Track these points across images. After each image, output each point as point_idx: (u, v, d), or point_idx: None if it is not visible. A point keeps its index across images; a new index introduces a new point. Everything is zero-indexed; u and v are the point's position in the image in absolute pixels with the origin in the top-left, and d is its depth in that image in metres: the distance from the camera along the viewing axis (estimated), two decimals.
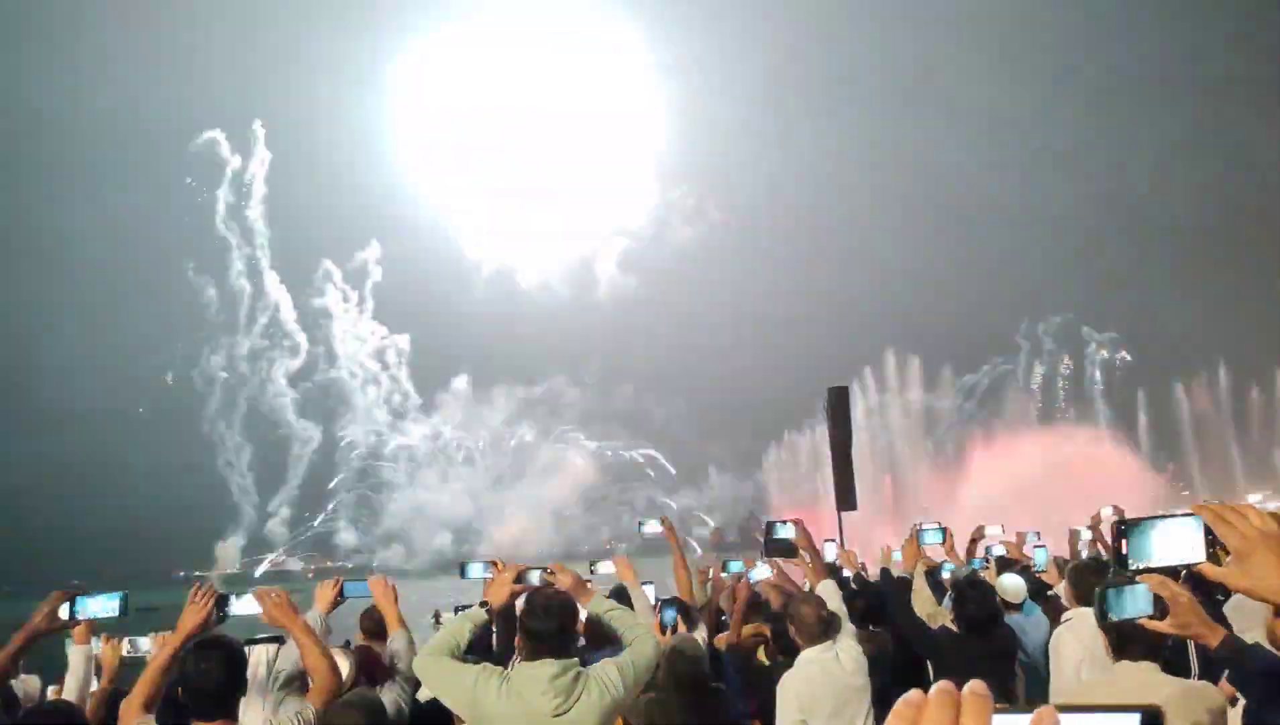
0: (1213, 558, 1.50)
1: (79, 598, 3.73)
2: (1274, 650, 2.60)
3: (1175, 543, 1.55)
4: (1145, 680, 3.09)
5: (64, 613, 3.61)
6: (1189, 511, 1.55)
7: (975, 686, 0.62)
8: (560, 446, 79.89)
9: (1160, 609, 2.33)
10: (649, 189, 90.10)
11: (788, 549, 5.69)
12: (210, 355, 78.59)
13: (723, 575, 6.33)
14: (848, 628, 4.49)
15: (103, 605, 3.77)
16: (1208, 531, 1.50)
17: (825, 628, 4.24)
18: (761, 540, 5.59)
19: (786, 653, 4.75)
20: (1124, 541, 1.58)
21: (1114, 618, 2.48)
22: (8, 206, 79.35)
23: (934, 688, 0.62)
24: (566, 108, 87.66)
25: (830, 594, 4.62)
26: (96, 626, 4.26)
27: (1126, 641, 3.12)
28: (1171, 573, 2.21)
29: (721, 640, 5.53)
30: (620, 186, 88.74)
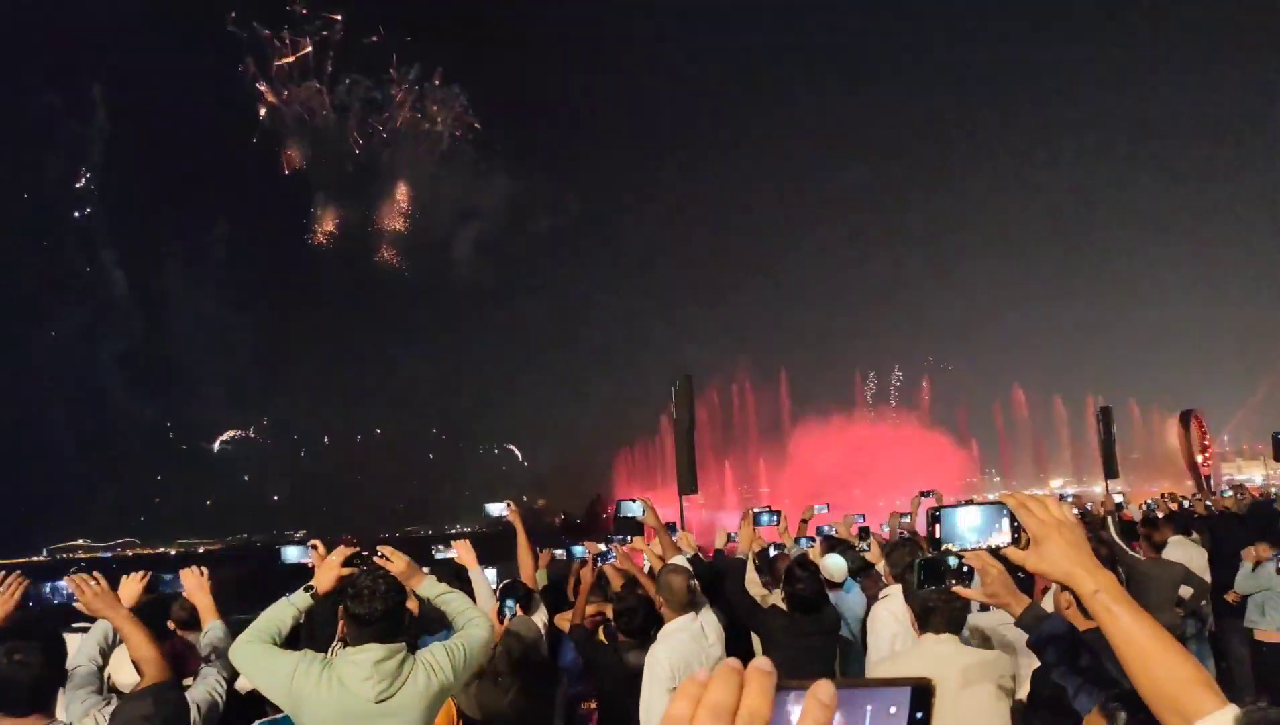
0: (1016, 543, 1.62)
1: None
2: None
3: (983, 527, 1.65)
4: (946, 652, 3.33)
5: None
6: (997, 499, 1.67)
7: (759, 662, 0.63)
8: None
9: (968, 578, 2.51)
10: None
11: (635, 527, 5.77)
12: None
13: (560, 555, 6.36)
14: (707, 600, 4.59)
15: None
16: (1013, 518, 1.62)
17: (692, 598, 4.31)
18: (607, 523, 5.66)
19: (628, 633, 4.79)
20: (937, 525, 1.68)
21: (929, 586, 2.66)
22: None
23: (719, 665, 0.63)
24: None
25: (684, 567, 4.72)
26: None
27: (930, 614, 3.35)
28: (937, 563, 2.39)
29: (563, 620, 5.55)
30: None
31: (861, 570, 6.45)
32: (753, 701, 0.61)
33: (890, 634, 4.69)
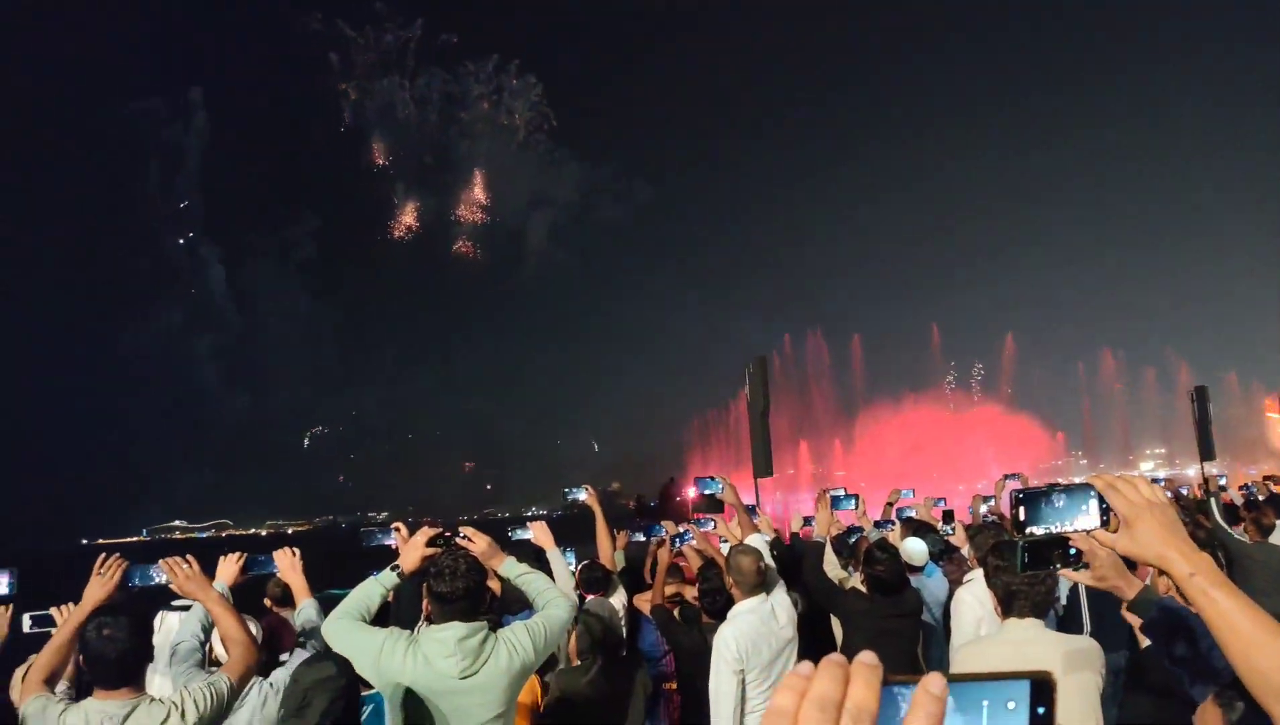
0: (1105, 525, 1.56)
1: None
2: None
3: (1070, 510, 1.60)
4: (1030, 637, 3.22)
5: None
6: (1084, 481, 1.61)
7: (865, 656, 0.61)
8: None
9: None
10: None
11: (716, 505, 5.75)
12: None
13: (639, 538, 6.39)
14: (779, 581, 4.55)
15: None
16: (1101, 499, 1.56)
17: (763, 579, 4.29)
18: (680, 505, 5.68)
19: (711, 613, 4.80)
20: (1021, 508, 1.63)
21: (1033, 569, 2.57)
22: None
23: (823, 659, 0.61)
24: None
25: (760, 547, 4.68)
26: None
27: (1014, 599, 3.24)
28: (1043, 545, 2.30)
29: (642, 601, 5.58)
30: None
31: (944, 554, 6.31)
32: (859, 695, 0.59)
33: (974, 618, 4.58)
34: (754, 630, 4.15)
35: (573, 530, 6.33)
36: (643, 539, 6.55)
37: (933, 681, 0.58)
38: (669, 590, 5.54)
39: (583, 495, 5.91)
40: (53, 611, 3.95)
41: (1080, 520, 1.59)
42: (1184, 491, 11.95)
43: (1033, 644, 3.19)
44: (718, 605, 4.69)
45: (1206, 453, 16.20)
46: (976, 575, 4.74)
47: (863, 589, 4.78)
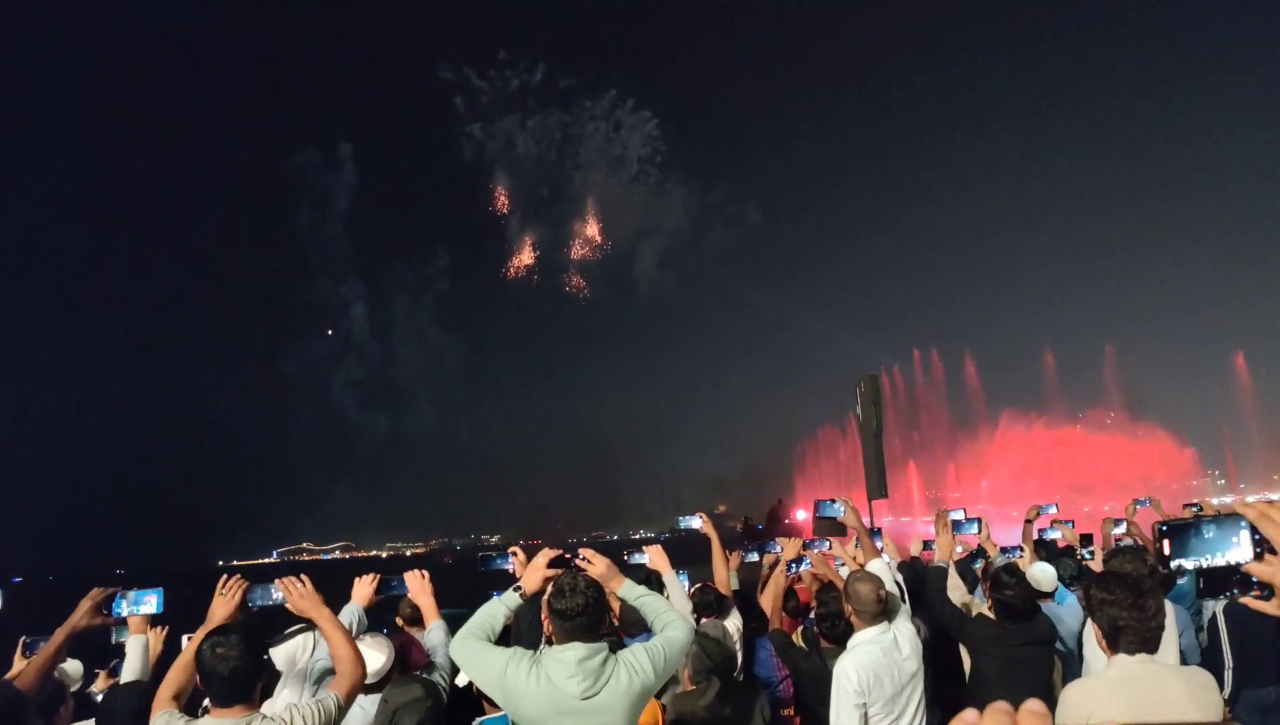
0: (1259, 557, 1.46)
1: (119, 595, 3.83)
2: None
3: (1220, 543, 1.50)
4: (1146, 673, 2.96)
5: (123, 610, 3.78)
6: (1232, 512, 1.51)
7: (1032, 705, 0.60)
8: None
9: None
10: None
11: (837, 528, 5.60)
12: None
13: (752, 557, 6.29)
14: (904, 609, 4.39)
15: (142, 601, 3.85)
16: (1253, 530, 1.46)
17: (884, 608, 4.16)
18: (789, 528, 5.58)
19: (830, 638, 4.70)
20: (1165, 542, 1.54)
21: (1208, 598, 2.44)
22: None
23: (989, 707, 0.60)
24: None
25: (882, 573, 4.51)
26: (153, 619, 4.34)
27: (1120, 633, 3.00)
28: (1219, 573, 2.15)
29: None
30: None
31: (1075, 579, 5.99)
32: None
33: None
34: (875, 661, 4.01)
35: (686, 552, 6.30)
36: (756, 559, 6.43)
37: None
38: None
39: (697, 522, 5.86)
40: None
41: (1233, 552, 1.50)
42: None
43: (1151, 679, 2.95)
44: (837, 631, 4.58)
45: None
46: None
47: (990, 615, 4.58)
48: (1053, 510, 7.34)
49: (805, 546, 5.79)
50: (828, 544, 6.12)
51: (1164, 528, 1.56)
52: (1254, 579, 1.92)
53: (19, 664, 4.27)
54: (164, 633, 4.71)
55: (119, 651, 4.62)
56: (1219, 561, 1.52)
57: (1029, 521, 6.67)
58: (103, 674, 5.77)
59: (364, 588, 4.08)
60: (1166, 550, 1.56)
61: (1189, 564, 1.55)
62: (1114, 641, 3.01)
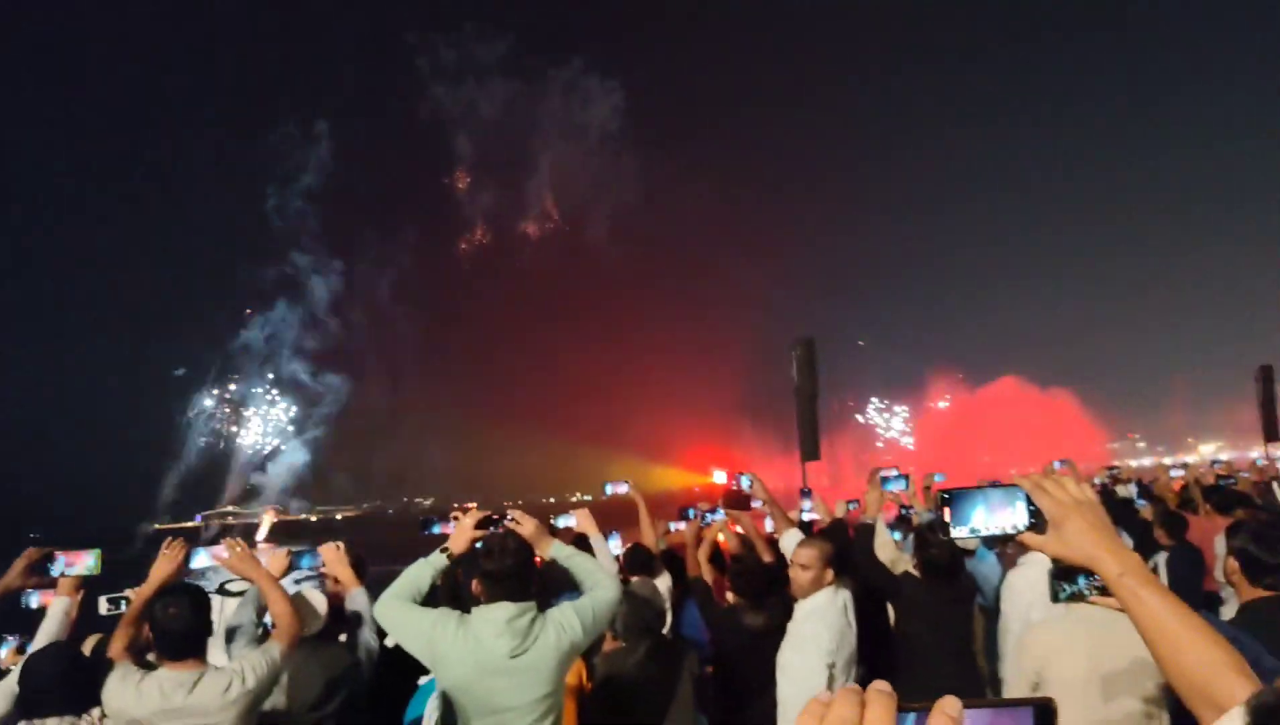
0: (1034, 527, 1.51)
1: (58, 554, 3.75)
2: None
3: (998, 511, 1.54)
4: (1098, 616, 3.09)
5: (59, 569, 3.82)
6: (1011, 482, 1.56)
7: (879, 684, 0.65)
8: None
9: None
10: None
11: (742, 502, 5.67)
12: None
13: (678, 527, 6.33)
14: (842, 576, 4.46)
15: (82, 562, 3.79)
16: (1029, 500, 1.52)
17: (828, 573, 4.19)
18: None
19: (744, 594, 4.70)
20: (947, 509, 1.57)
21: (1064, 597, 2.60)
22: None
23: (840, 689, 0.65)
24: None
25: (793, 544, 4.57)
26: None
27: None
28: (995, 540, 2.24)
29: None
30: None
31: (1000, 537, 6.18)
32: (875, 721, 0.62)
33: (1026, 603, 4.49)
34: (839, 623, 4.09)
35: (616, 516, 6.32)
36: (682, 528, 6.47)
37: (949, 704, 0.61)
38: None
39: (624, 488, 5.97)
40: (128, 593, 4.18)
41: (1009, 520, 1.54)
42: (1240, 476, 11.47)
43: (1100, 622, 3.07)
44: (753, 586, 4.59)
45: (1271, 433, 15.67)
46: (1029, 559, 4.63)
47: (915, 573, 4.66)
48: (942, 479, 7.62)
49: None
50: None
51: (946, 495, 1.59)
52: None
53: None
54: (81, 595, 4.58)
55: (26, 619, 4.45)
56: (996, 529, 1.56)
57: (926, 488, 6.88)
58: (10, 651, 5.49)
59: (278, 561, 4.06)
60: (947, 517, 1.58)
61: (965, 531, 1.58)
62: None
